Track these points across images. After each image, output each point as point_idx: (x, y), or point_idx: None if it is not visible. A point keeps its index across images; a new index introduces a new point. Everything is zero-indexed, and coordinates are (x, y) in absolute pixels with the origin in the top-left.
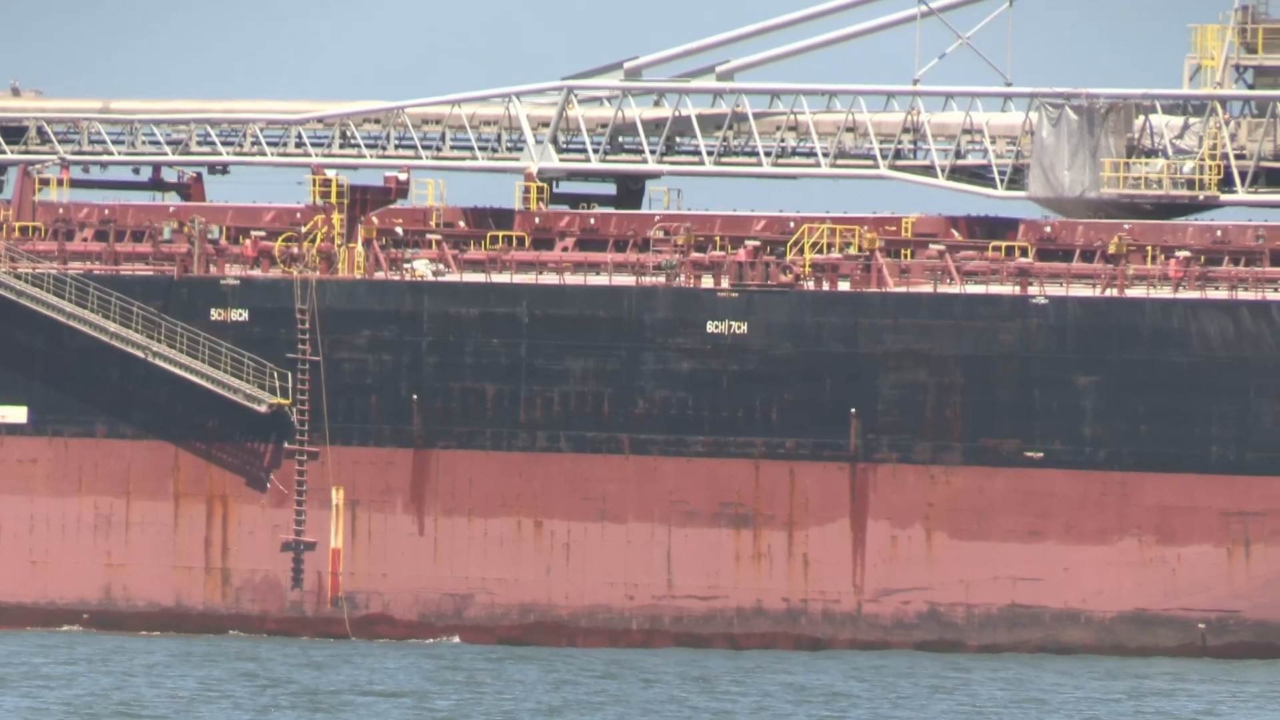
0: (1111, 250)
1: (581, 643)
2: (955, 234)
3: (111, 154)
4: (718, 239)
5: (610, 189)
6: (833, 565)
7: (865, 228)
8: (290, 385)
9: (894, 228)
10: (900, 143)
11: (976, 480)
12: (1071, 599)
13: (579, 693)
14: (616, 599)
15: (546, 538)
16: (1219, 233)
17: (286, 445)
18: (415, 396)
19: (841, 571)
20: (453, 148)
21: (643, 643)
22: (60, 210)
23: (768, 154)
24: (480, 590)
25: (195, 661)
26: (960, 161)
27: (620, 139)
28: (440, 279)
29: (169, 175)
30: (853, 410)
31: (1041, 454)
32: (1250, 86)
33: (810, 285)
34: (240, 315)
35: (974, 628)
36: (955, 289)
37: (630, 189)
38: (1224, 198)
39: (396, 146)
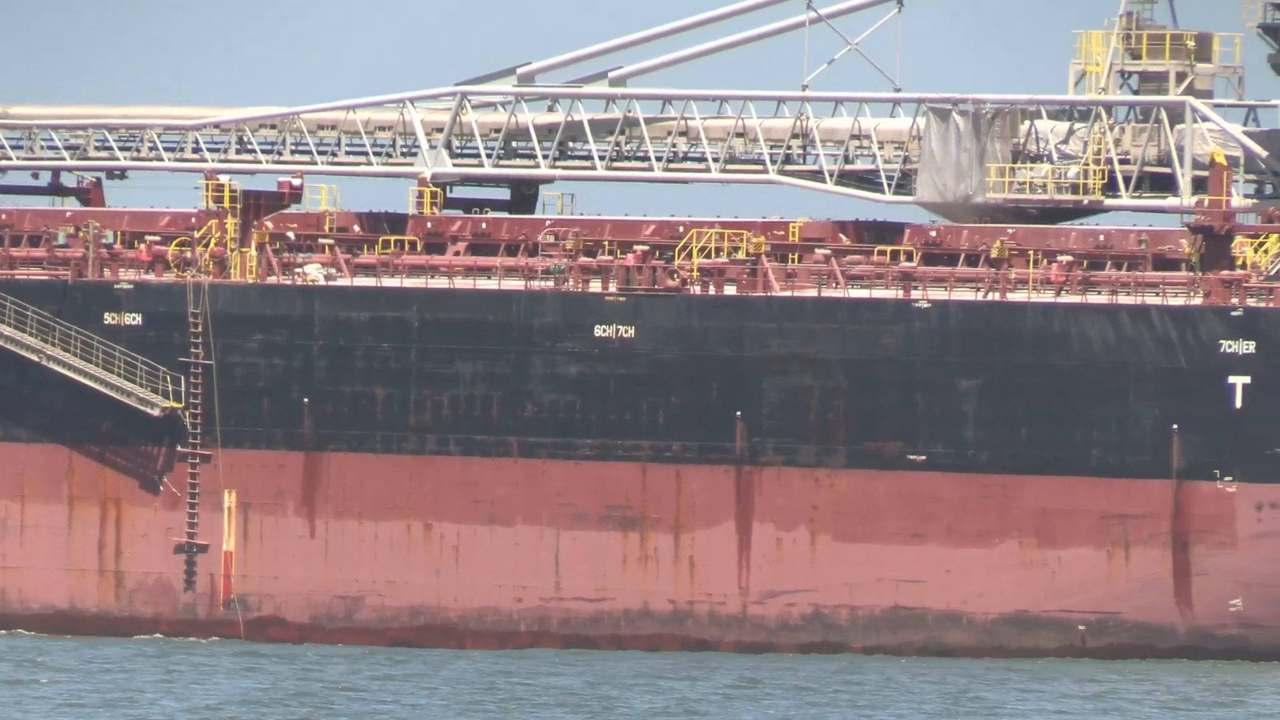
0: (994, 255)
1: (471, 645)
2: (843, 238)
3: (10, 159)
4: (607, 243)
5: (504, 194)
6: (718, 568)
7: (753, 232)
8: (183, 389)
9: (782, 232)
10: (789, 148)
11: (860, 483)
12: (953, 601)
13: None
14: (505, 601)
15: (436, 540)
16: (1102, 237)
17: (179, 448)
18: (306, 400)
19: (727, 574)
20: (348, 153)
21: (531, 644)
22: None
23: (659, 159)
24: (371, 592)
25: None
26: (849, 166)
27: (514, 144)
28: (331, 283)
29: (69, 180)
30: (738, 414)
31: (924, 457)
32: (1135, 92)
33: (697, 290)
34: (134, 319)
35: (858, 629)
36: (840, 293)
37: (524, 194)
38: (1108, 202)
39: (293, 152)
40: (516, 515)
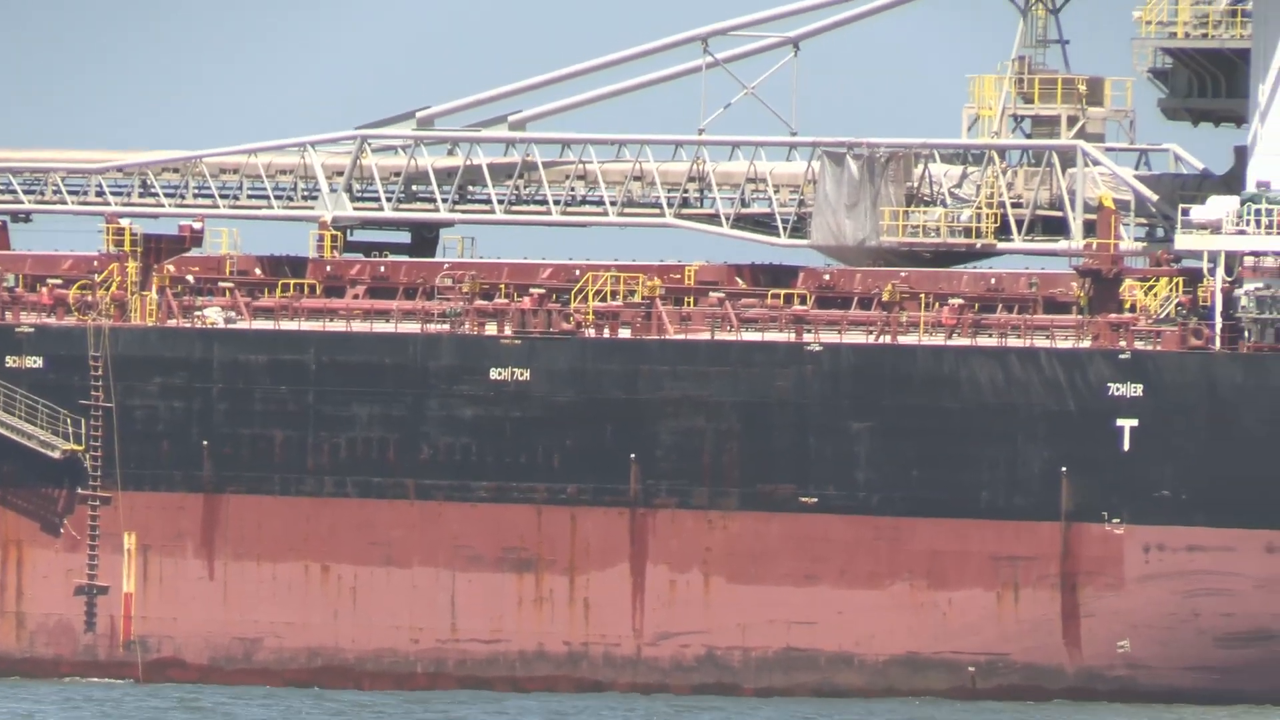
0: (885, 298)
1: (368, 686)
2: (739, 281)
3: None
4: (504, 287)
5: (405, 237)
6: (613, 609)
7: (648, 275)
8: (84, 432)
9: (678, 275)
10: (686, 191)
11: (753, 525)
12: (845, 642)
13: None
14: (402, 642)
15: (333, 582)
16: (993, 280)
17: (80, 490)
18: (206, 442)
19: (621, 615)
20: (250, 196)
21: (427, 686)
22: None
23: (557, 202)
24: (269, 634)
25: None
26: (745, 210)
27: (414, 187)
28: (230, 326)
29: None
30: (632, 456)
31: (816, 499)
32: (1027, 136)
33: (592, 333)
34: (35, 362)
35: (750, 671)
36: (733, 336)
37: (424, 237)
38: (1001, 245)
39: (195, 195)
40: (413, 557)
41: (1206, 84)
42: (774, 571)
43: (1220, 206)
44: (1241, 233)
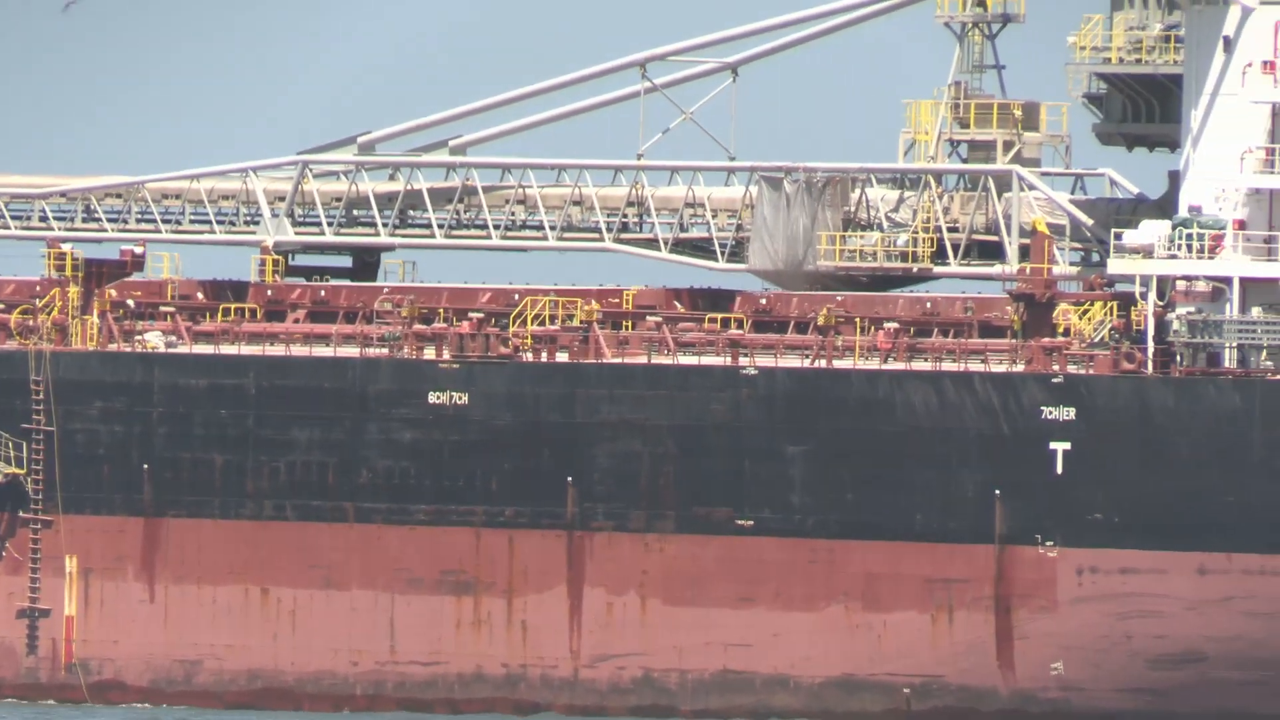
0: (821, 322)
1: (308, 708)
2: (677, 305)
3: None
4: (443, 311)
5: (346, 261)
6: (550, 632)
7: (587, 300)
8: (25, 455)
9: (616, 299)
10: (625, 216)
11: (689, 548)
12: (781, 664)
13: None
14: (341, 665)
15: (273, 605)
16: (929, 304)
17: (21, 514)
18: (146, 466)
19: (559, 638)
20: (192, 221)
21: (367, 708)
22: None
23: (497, 227)
24: (209, 656)
25: None
26: (683, 235)
27: (355, 212)
28: (171, 350)
29: None
30: (569, 479)
31: (752, 522)
32: (963, 160)
33: (530, 356)
34: None
35: (687, 693)
36: (669, 360)
37: (366, 261)
38: (937, 270)
39: (138, 220)
40: (352, 580)
41: (1140, 109)
42: (710, 594)
43: (1152, 231)
44: (1173, 257)
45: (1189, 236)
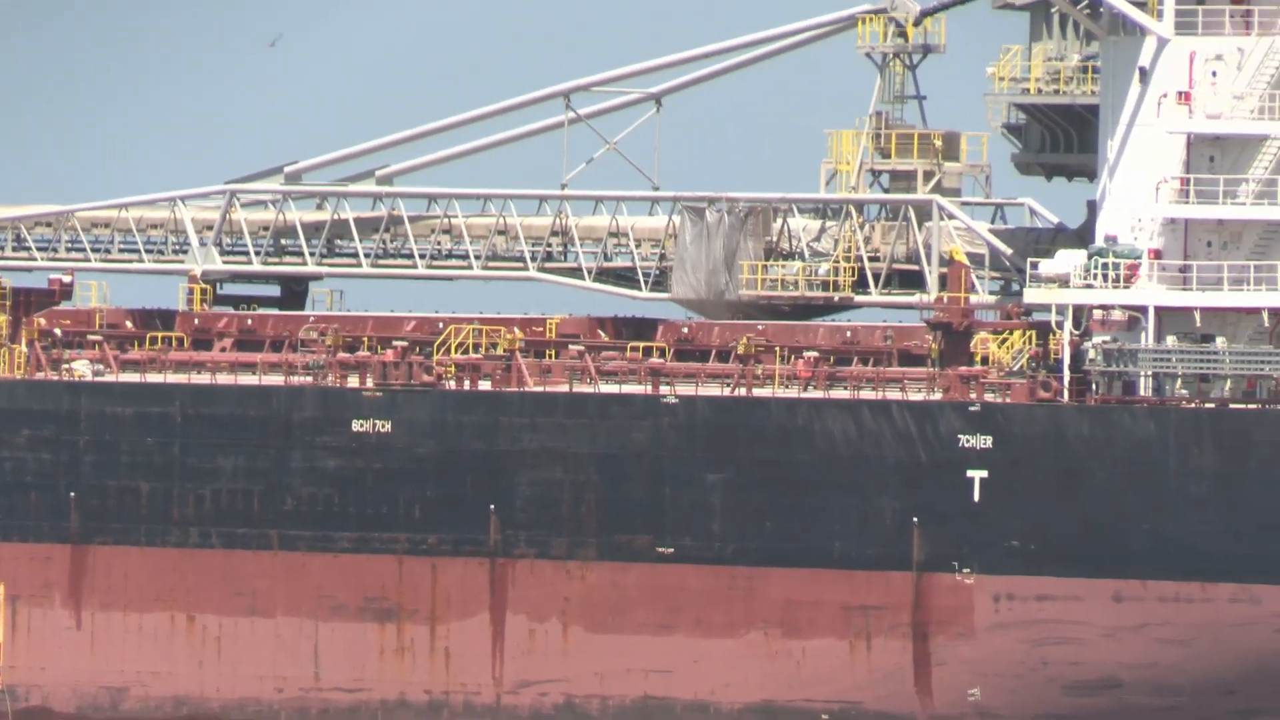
0: (740, 351)
1: None
2: (601, 334)
3: None
4: (367, 339)
5: (274, 290)
6: (473, 658)
7: (510, 328)
8: None
9: (540, 328)
10: (550, 245)
11: (610, 575)
12: (701, 691)
13: None
14: (266, 692)
15: (199, 632)
16: (849, 333)
17: None
18: (73, 494)
19: (481, 664)
20: (121, 250)
21: None
22: None
23: (423, 256)
24: (135, 683)
25: None
26: (607, 264)
27: (282, 241)
28: (98, 379)
29: None
30: (492, 507)
31: (673, 549)
32: (884, 190)
33: (453, 385)
34: None
35: (609, 719)
36: (591, 388)
37: (294, 290)
38: (858, 299)
39: (68, 249)
40: (277, 607)
41: (1059, 139)
42: (631, 621)
43: (1068, 261)
44: (1089, 286)
45: (1104, 266)
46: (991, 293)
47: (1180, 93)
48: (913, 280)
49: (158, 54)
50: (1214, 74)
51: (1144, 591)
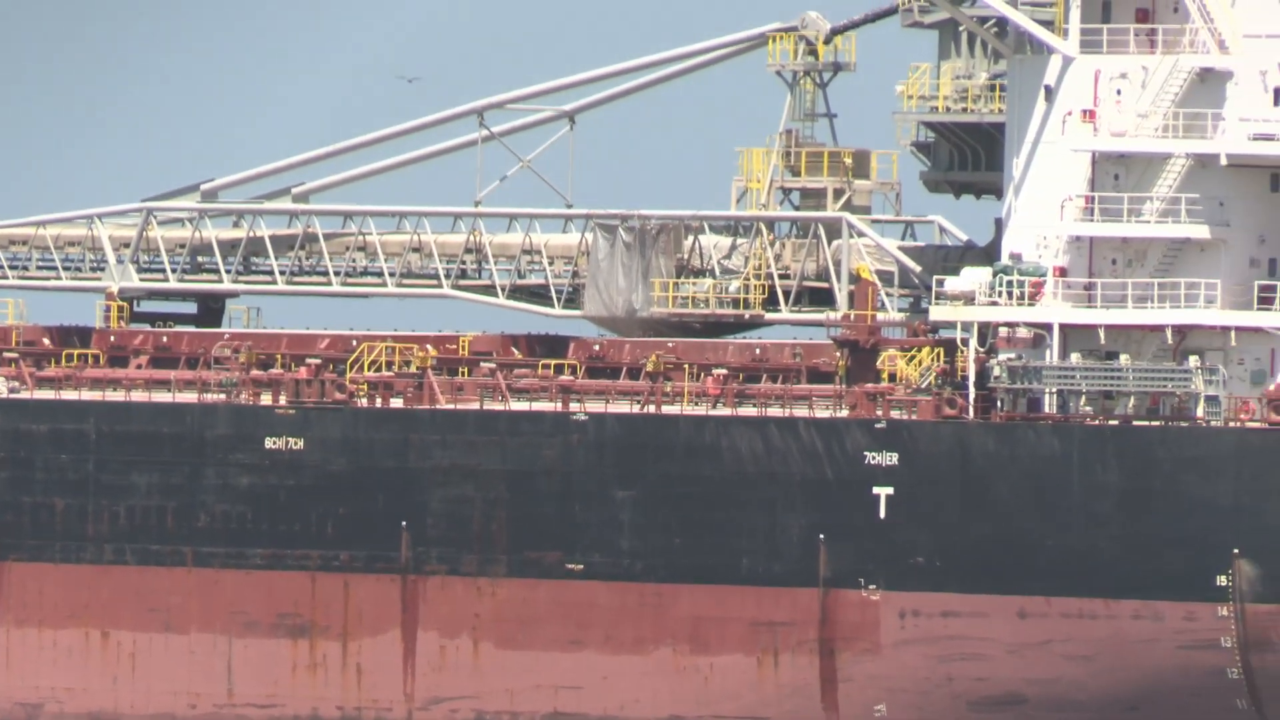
0: (650, 368)
1: None
2: (514, 351)
3: None
4: (281, 357)
5: (191, 308)
6: (385, 674)
7: (423, 346)
8: None
9: (453, 345)
10: (464, 263)
11: (521, 592)
12: (610, 706)
13: None
14: (180, 708)
15: (113, 648)
16: (758, 350)
17: None
18: None
19: (393, 680)
20: (39, 267)
21: None
22: None
23: (338, 273)
24: (50, 700)
25: None
26: (521, 281)
27: (199, 259)
28: (13, 396)
29: None
30: (404, 524)
31: (582, 566)
32: (795, 208)
33: (365, 402)
34: None
35: None
36: (501, 406)
37: (211, 307)
38: (769, 316)
39: None
40: (191, 623)
41: (967, 157)
42: (541, 637)
43: (973, 278)
44: (994, 304)
45: (1009, 283)
46: (901, 310)
47: (1085, 111)
48: (823, 297)
49: (74, 72)
50: (1119, 92)
51: (1048, 608)
